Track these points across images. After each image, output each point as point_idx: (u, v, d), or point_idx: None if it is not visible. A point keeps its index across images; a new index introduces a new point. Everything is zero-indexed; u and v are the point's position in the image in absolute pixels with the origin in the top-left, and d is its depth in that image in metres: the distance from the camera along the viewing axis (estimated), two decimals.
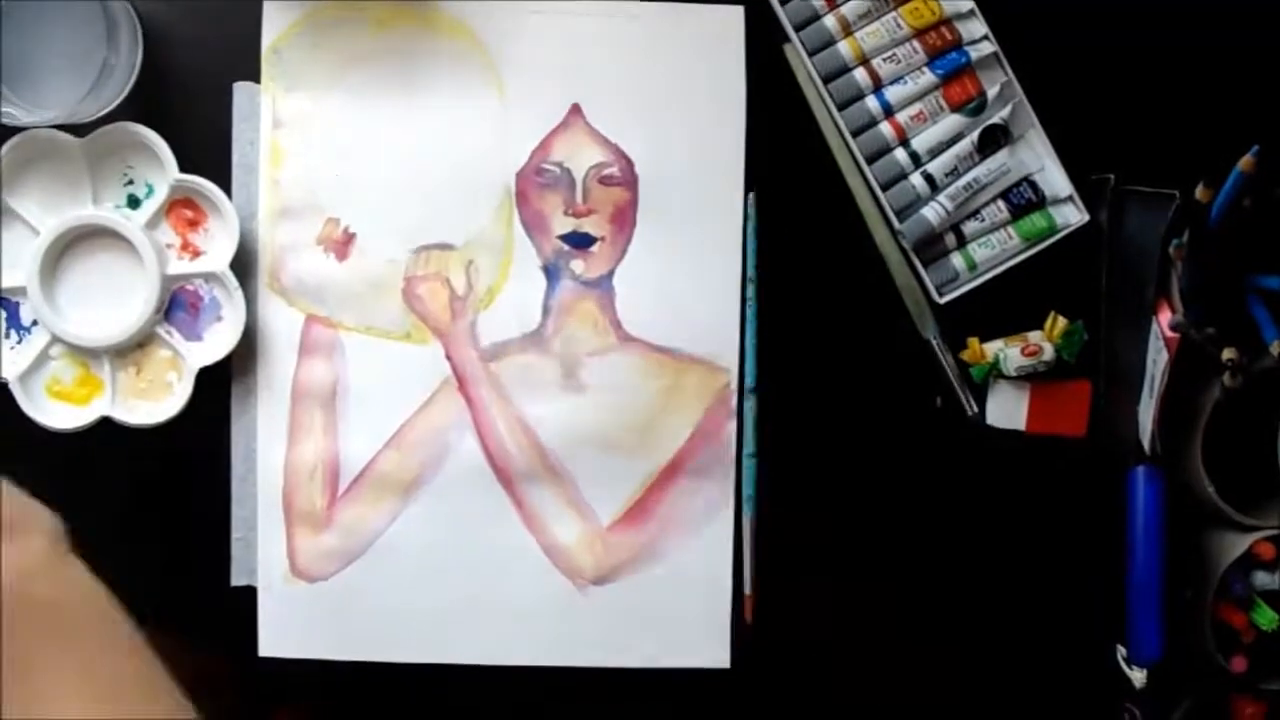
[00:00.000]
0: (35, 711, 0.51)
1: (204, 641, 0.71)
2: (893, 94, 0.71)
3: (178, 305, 0.71)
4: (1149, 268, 0.69)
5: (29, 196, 0.69)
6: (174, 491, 0.71)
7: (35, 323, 0.70)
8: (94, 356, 0.70)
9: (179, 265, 0.70)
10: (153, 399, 0.70)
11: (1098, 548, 0.71)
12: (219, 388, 0.71)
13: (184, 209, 0.70)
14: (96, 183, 0.70)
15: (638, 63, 0.71)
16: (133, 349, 0.70)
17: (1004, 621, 0.72)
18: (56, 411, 0.70)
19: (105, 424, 0.70)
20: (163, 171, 0.69)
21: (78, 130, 0.68)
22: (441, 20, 0.71)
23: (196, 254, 0.70)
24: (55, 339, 0.70)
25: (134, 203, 0.70)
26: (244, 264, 0.70)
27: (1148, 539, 0.68)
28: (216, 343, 0.70)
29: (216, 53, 0.70)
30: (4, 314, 0.70)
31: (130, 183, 0.70)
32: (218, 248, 0.70)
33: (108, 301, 0.70)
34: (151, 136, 0.69)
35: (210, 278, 0.70)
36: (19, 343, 0.70)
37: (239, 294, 0.69)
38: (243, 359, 0.71)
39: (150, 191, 0.70)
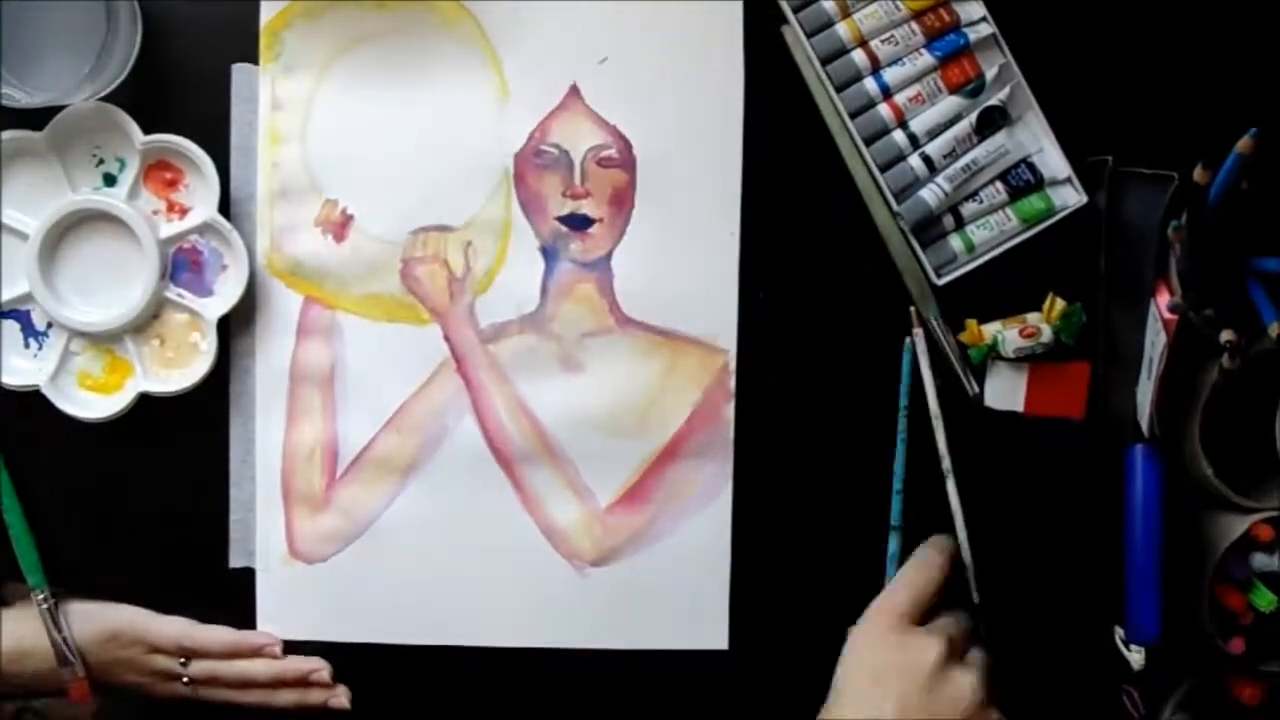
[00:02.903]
0: None
1: (203, 623, 0.72)
2: (891, 75, 0.71)
3: (180, 266, 0.71)
4: (1147, 249, 0.69)
5: (7, 202, 0.69)
6: (172, 473, 0.72)
7: (50, 325, 0.70)
8: (115, 340, 0.71)
9: (170, 227, 0.70)
10: (182, 365, 0.71)
11: (1096, 530, 0.71)
12: (218, 368, 0.71)
13: (160, 172, 0.70)
14: (69, 170, 0.70)
15: (637, 44, 0.71)
16: (150, 322, 0.71)
17: (1002, 603, 0.72)
18: (93, 403, 0.70)
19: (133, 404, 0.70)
20: (129, 142, 0.69)
21: (38, 123, 0.68)
22: (440, 2, 0.71)
23: (184, 212, 0.70)
24: (73, 334, 0.70)
25: (110, 180, 0.70)
26: (235, 218, 0.70)
27: (1146, 514, 0.68)
28: (228, 291, 0.70)
29: (215, 35, 0.71)
30: (17, 325, 0.70)
31: (101, 161, 0.70)
32: (201, 200, 0.70)
33: (112, 283, 0.70)
34: (111, 110, 0.69)
35: (204, 229, 0.70)
36: (40, 349, 0.70)
37: (235, 236, 0.69)
38: (241, 340, 0.71)
39: (123, 165, 0.70)
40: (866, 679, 0.65)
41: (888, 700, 0.64)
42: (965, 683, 0.65)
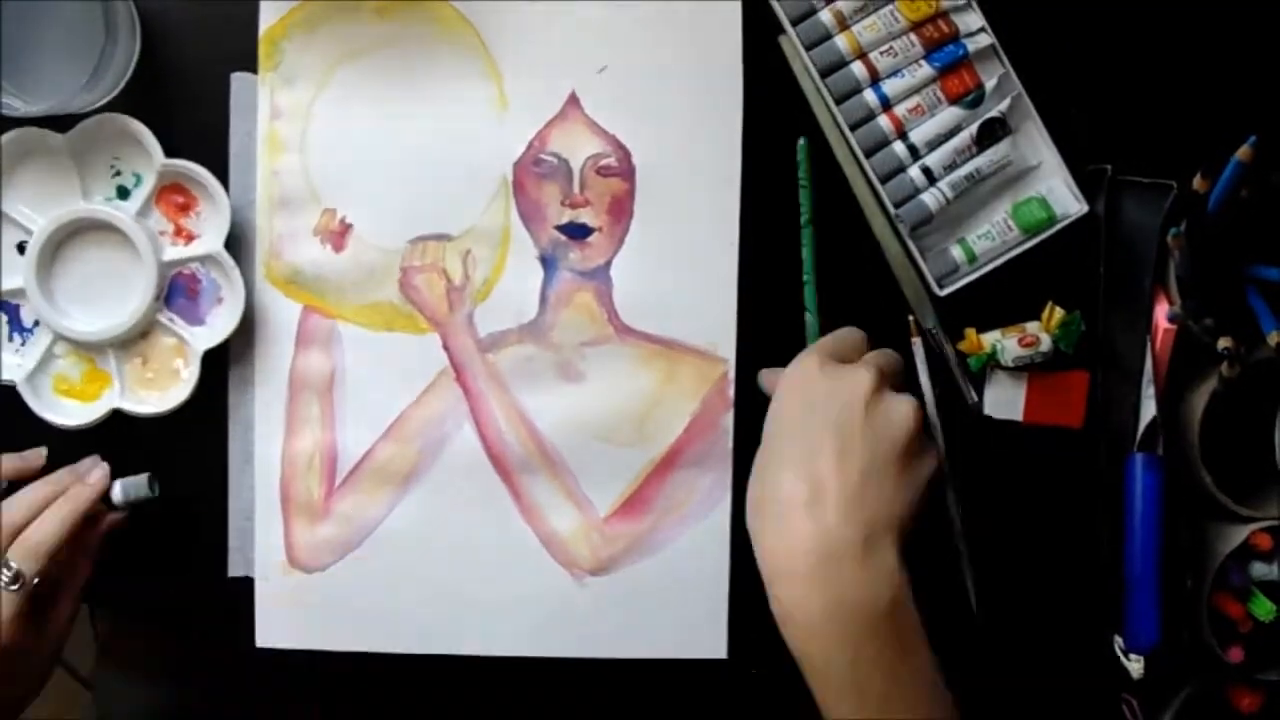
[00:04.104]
0: None
1: (201, 632, 0.71)
2: (890, 87, 0.71)
3: (177, 291, 0.71)
4: (1146, 258, 0.69)
5: (18, 197, 0.70)
6: (172, 482, 0.71)
7: (37, 323, 0.70)
8: (99, 351, 0.70)
9: (174, 251, 0.70)
10: (161, 388, 0.70)
11: (1095, 539, 0.71)
12: (217, 378, 0.71)
13: (174, 195, 0.70)
14: (84, 177, 0.70)
15: (636, 53, 0.71)
16: (136, 340, 0.70)
17: (1001, 612, 0.72)
18: (67, 409, 0.70)
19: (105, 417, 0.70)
20: (149, 159, 0.69)
21: (61, 126, 0.68)
22: (440, 11, 0.71)
23: (190, 238, 0.70)
24: (58, 337, 0.70)
25: (123, 193, 0.70)
26: (239, 248, 0.70)
27: (1145, 523, 0.68)
28: (219, 325, 0.70)
29: (214, 44, 0.71)
30: (4, 317, 0.70)
31: (118, 174, 0.70)
32: (210, 230, 0.70)
33: (107, 295, 0.70)
34: (136, 125, 0.69)
35: (206, 260, 0.70)
36: (23, 345, 0.70)
37: (236, 273, 0.69)
38: (240, 349, 0.71)
39: (139, 180, 0.70)
40: (799, 411, 0.63)
41: (825, 430, 0.61)
42: (902, 409, 0.63)
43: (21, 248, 0.70)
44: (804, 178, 0.71)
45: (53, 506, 0.66)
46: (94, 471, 0.69)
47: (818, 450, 0.61)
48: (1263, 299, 0.68)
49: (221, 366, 0.71)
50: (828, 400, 0.63)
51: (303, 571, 0.72)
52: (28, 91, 0.66)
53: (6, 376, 0.69)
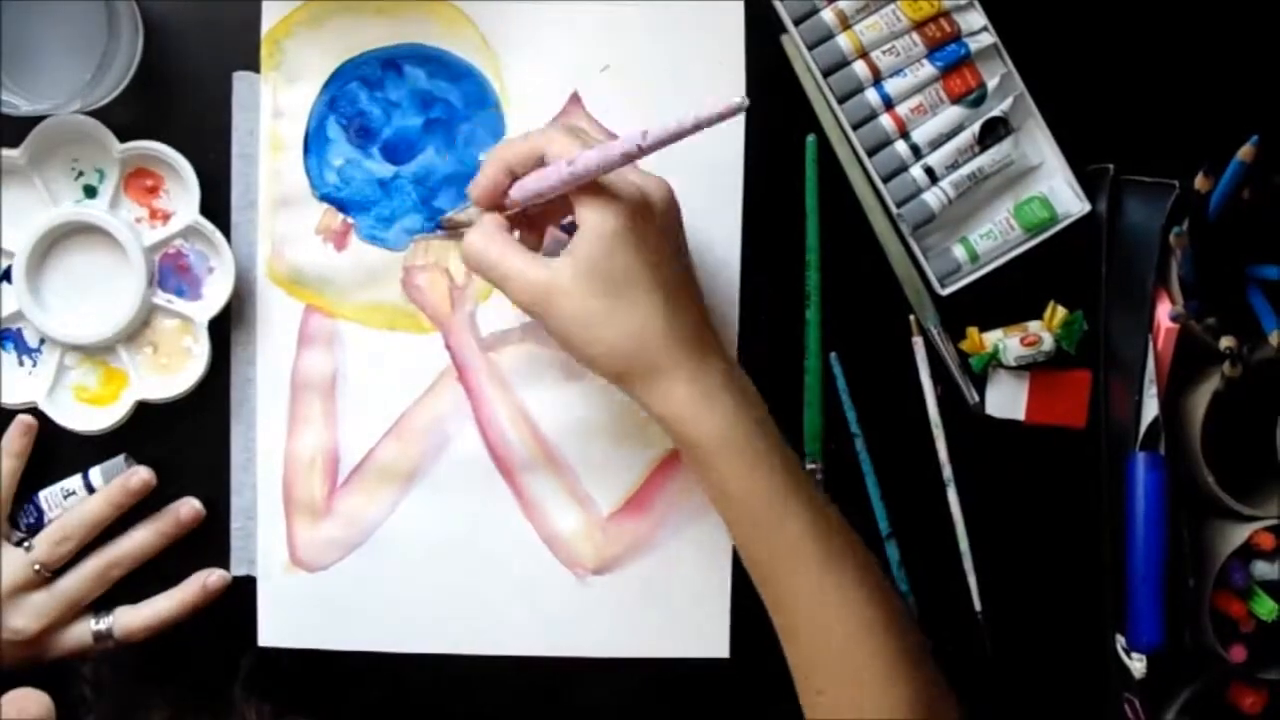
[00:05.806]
0: None
1: (203, 631, 0.71)
2: (892, 86, 0.71)
3: (167, 272, 0.70)
4: (1148, 257, 0.69)
5: None
6: (174, 481, 0.71)
7: (42, 341, 0.70)
8: (109, 352, 0.70)
9: (154, 234, 0.70)
10: (176, 370, 0.71)
11: (1097, 539, 0.71)
12: (218, 377, 0.71)
13: (140, 179, 0.70)
14: (48, 184, 0.69)
15: (638, 53, 0.71)
16: (141, 330, 0.70)
17: (1004, 612, 0.72)
18: (92, 416, 0.70)
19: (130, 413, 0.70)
20: (107, 152, 0.69)
21: (13, 140, 0.68)
22: (441, 10, 0.71)
23: (166, 217, 0.70)
24: (67, 348, 0.70)
25: (91, 192, 0.70)
26: (241, 247, 0.70)
27: (1147, 523, 0.68)
28: (216, 292, 0.70)
29: (216, 42, 0.70)
30: (10, 344, 0.70)
31: (80, 174, 0.70)
32: (183, 204, 0.70)
33: (101, 294, 0.70)
34: (86, 121, 0.68)
35: (188, 234, 0.70)
36: (34, 366, 0.70)
37: (219, 236, 0.69)
38: (242, 348, 0.71)
39: (102, 175, 0.70)
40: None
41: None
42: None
43: (6, 272, 0.70)
44: (811, 175, 0.71)
45: (172, 596, 0.70)
46: (213, 575, 0.71)
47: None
48: (1264, 298, 0.68)
49: (224, 366, 0.71)
50: None
51: (305, 571, 0.71)
52: (30, 90, 0.66)
53: (27, 399, 0.69)
